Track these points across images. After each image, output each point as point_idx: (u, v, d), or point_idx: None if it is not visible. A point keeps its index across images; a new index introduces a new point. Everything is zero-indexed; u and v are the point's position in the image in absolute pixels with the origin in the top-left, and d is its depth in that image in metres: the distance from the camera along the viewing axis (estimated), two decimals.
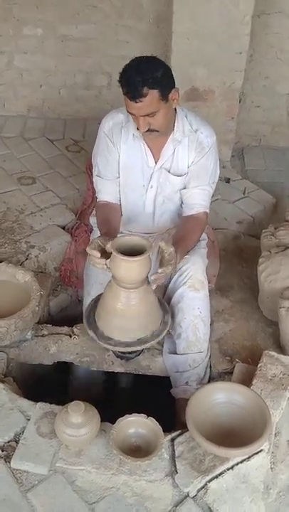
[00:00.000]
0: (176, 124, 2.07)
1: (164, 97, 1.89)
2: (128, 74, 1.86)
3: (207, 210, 2.19)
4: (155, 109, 1.90)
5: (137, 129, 2.00)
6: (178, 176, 2.16)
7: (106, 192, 2.20)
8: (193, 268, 2.13)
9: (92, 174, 2.31)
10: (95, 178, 2.23)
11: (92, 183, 2.36)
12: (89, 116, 3.85)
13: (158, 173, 2.16)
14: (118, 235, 1.95)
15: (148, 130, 1.96)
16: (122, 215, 2.31)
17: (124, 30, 3.62)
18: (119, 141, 2.13)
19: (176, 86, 1.95)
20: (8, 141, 3.53)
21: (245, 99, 3.74)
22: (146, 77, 1.83)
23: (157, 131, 1.98)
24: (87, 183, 3.02)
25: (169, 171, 2.16)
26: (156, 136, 2.02)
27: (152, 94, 1.86)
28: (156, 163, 2.14)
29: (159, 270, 1.84)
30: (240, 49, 3.17)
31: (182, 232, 2.13)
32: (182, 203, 2.22)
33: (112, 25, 3.60)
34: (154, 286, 1.88)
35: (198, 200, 2.16)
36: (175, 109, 2.05)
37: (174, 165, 2.14)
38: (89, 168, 3.02)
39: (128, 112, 1.96)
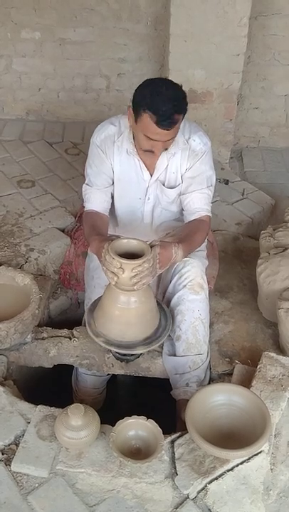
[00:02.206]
0: None
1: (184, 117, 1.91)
2: (158, 103, 1.81)
3: (209, 214, 2.17)
4: (177, 133, 1.92)
5: (145, 150, 1.98)
6: (171, 188, 2.16)
7: (94, 202, 2.17)
8: (192, 270, 2.12)
9: None
10: (84, 187, 2.21)
11: None
12: (88, 119, 3.87)
13: (154, 185, 2.16)
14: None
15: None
16: (117, 224, 2.32)
17: (122, 32, 3.63)
18: (112, 154, 2.11)
19: None
20: (7, 145, 3.54)
21: (243, 101, 3.76)
22: (175, 102, 1.82)
23: (166, 149, 1.99)
24: None
25: (163, 184, 2.16)
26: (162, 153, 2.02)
27: (180, 119, 1.87)
28: (151, 176, 2.14)
29: (133, 271, 1.75)
30: (238, 51, 3.18)
31: (186, 231, 2.10)
32: (182, 209, 2.21)
33: (110, 28, 3.61)
34: (135, 287, 1.78)
35: (200, 205, 2.14)
36: None
37: (168, 177, 2.14)
38: None
39: (148, 137, 1.90)
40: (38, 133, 3.74)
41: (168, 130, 1.86)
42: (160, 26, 3.53)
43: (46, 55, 3.73)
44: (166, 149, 1.99)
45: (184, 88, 1.91)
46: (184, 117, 1.92)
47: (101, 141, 2.11)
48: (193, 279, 2.11)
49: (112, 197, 2.23)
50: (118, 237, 1.89)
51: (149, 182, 2.15)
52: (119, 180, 2.16)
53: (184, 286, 2.11)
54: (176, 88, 1.89)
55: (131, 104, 1.92)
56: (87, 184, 2.20)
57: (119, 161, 2.12)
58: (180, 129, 2.04)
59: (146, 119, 1.84)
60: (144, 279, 1.78)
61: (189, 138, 2.09)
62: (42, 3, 3.53)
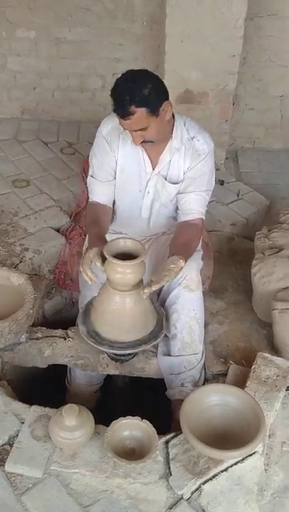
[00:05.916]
0: (174, 132, 2.06)
1: (154, 112, 1.89)
2: (117, 92, 1.87)
3: (203, 217, 2.18)
4: (145, 125, 1.91)
5: None
6: (173, 183, 2.16)
7: (98, 193, 2.20)
8: (187, 268, 2.11)
9: (86, 177, 2.31)
10: (89, 179, 2.23)
11: (86, 185, 2.36)
12: (83, 118, 3.86)
13: (155, 179, 2.16)
14: (113, 238, 1.95)
15: (143, 141, 1.97)
16: (114, 218, 2.31)
17: (118, 32, 3.62)
18: (117, 146, 2.12)
19: (168, 98, 1.94)
20: (2, 144, 3.53)
21: (238, 102, 3.76)
22: (133, 95, 1.83)
23: (152, 142, 1.99)
24: (81, 185, 3.02)
25: (165, 179, 2.16)
26: (152, 145, 2.02)
27: (139, 113, 1.86)
28: (153, 169, 2.14)
29: (154, 285, 1.87)
30: (234, 52, 3.18)
31: (182, 239, 2.10)
32: (177, 208, 2.21)
33: (106, 27, 3.60)
34: (145, 296, 1.88)
35: (195, 206, 2.14)
36: (173, 116, 2.04)
37: (170, 172, 2.14)
38: (83, 171, 3.03)
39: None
40: (33, 132, 3.73)
41: (125, 120, 1.88)
42: (156, 26, 3.52)
43: (41, 54, 3.72)
44: (146, 141, 1.97)
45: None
46: (152, 111, 1.88)
47: (107, 132, 2.12)
48: (188, 277, 2.11)
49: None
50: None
51: (151, 175, 2.16)
52: (122, 171, 2.17)
53: (179, 284, 2.12)
54: (144, 79, 1.88)
55: None
56: (91, 176, 2.22)
57: (124, 153, 2.13)
58: (183, 125, 2.07)
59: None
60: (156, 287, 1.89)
61: (194, 137, 2.10)
62: (37, 3, 3.52)
